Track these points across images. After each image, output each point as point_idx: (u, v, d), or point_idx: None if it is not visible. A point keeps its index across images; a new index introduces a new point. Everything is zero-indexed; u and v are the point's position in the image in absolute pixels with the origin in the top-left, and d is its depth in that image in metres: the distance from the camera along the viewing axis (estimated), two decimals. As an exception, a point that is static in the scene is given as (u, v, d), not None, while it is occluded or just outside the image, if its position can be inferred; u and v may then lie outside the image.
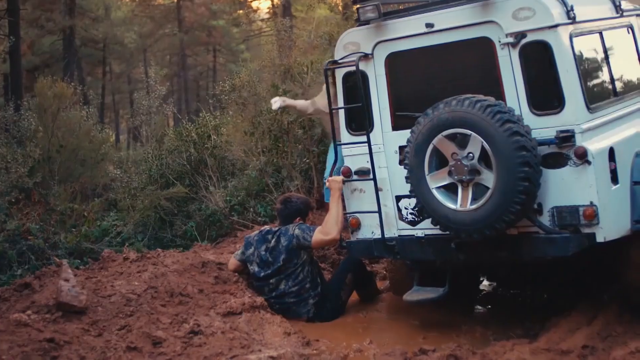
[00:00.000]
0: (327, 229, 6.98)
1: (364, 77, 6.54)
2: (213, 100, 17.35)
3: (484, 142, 5.60)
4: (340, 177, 6.87)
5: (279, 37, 14.68)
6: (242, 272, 7.49)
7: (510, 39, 5.79)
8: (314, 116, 9.49)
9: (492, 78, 5.94)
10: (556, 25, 5.68)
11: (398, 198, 6.54)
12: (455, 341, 5.95)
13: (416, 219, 6.48)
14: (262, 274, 7.15)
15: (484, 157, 5.67)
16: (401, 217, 6.56)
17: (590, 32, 6.21)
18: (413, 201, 6.36)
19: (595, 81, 6.31)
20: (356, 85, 6.51)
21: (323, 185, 8.59)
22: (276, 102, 8.92)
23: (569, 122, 5.66)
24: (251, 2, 47.70)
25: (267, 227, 7.43)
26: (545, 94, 5.78)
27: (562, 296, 7.00)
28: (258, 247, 7.22)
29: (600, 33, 6.38)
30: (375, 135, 6.56)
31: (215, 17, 45.59)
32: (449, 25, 6.11)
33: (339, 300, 7.31)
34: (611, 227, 5.68)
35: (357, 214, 6.80)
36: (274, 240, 7.15)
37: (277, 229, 7.24)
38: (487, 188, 5.66)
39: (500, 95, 5.86)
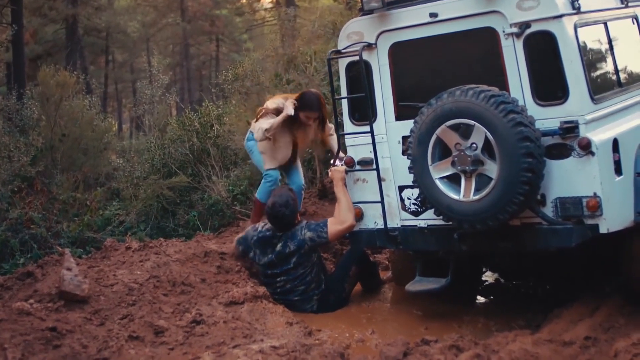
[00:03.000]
0: (342, 218, 6.89)
1: (367, 66, 6.53)
2: (216, 90, 17.35)
3: (488, 133, 5.59)
4: (343, 167, 6.85)
5: (283, 27, 14.66)
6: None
7: (515, 29, 5.77)
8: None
9: (496, 68, 5.92)
10: (561, 16, 5.66)
11: (401, 188, 6.54)
12: (458, 332, 5.94)
13: (419, 209, 6.47)
14: (269, 272, 7.12)
15: (487, 148, 5.66)
16: (404, 208, 6.56)
17: (595, 23, 6.19)
18: (416, 191, 6.36)
19: (600, 72, 6.29)
20: (359, 75, 6.50)
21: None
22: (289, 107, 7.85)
23: (573, 113, 5.65)
24: (254, -9, 47.66)
25: (262, 227, 7.30)
26: (550, 84, 5.76)
27: (565, 287, 7.00)
28: (260, 250, 7.18)
29: (605, 23, 6.36)
30: (378, 125, 6.55)
31: (218, 6, 45.50)
32: (453, 15, 6.09)
33: (343, 293, 7.29)
34: (614, 218, 5.67)
35: (359, 204, 6.79)
36: (280, 245, 7.06)
37: (280, 233, 7.11)
38: (491, 179, 5.65)
39: (504, 85, 5.85)
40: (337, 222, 6.93)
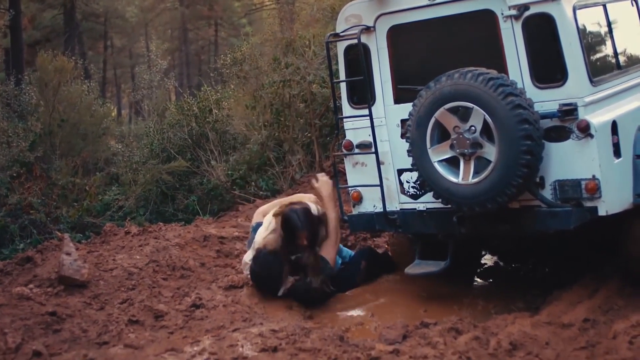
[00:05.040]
0: (337, 239, 6.92)
1: (365, 50, 6.50)
2: (214, 74, 17.36)
3: (486, 115, 5.57)
4: (329, 180, 6.77)
5: (281, 11, 14.63)
6: None
7: (513, 12, 5.74)
8: None
9: (494, 51, 5.89)
10: (559, -3, 5.64)
11: (400, 171, 6.53)
12: (457, 314, 5.95)
13: (418, 192, 6.47)
14: None
15: (486, 131, 5.64)
16: (403, 191, 6.55)
17: (594, 5, 6.16)
18: (415, 175, 6.34)
19: (599, 54, 6.27)
20: (358, 58, 6.48)
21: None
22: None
23: (571, 95, 5.63)
24: (253, -25, 47.45)
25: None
26: (548, 66, 5.74)
27: (564, 269, 7.00)
28: None
29: (604, 5, 6.33)
30: (377, 109, 6.53)
31: (216, -10, 45.35)
32: (451, -3, 6.06)
33: (354, 284, 7.21)
34: (613, 200, 5.67)
35: (358, 188, 6.78)
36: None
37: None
38: (489, 161, 5.64)
39: (502, 68, 5.83)
40: (332, 242, 6.89)
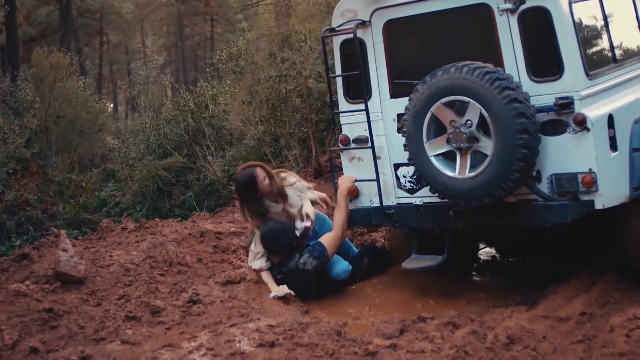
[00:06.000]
0: (342, 233, 6.85)
1: (361, 44, 6.50)
2: (210, 70, 17.34)
3: (483, 110, 5.57)
4: (353, 177, 6.74)
5: (277, 6, 14.60)
6: None
7: (509, 5, 5.73)
8: None
9: (490, 45, 5.89)
10: (555, -9, 5.63)
11: (396, 166, 6.52)
12: (454, 308, 5.95)
13: (414, 187, 6.47)
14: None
15: (482, 125, 5.64)
16: (399, 185, 6.55)
17: (590, -2, 6.16)
18: (411, 169, 6.35)
19: (595, 48, 6.27)
20: (354, 53, 6.47)
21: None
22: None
23: (568, 89, 5.63)
24: (248, -30, 47.37)
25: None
26: (544, 60, 5.74)
27: (561, 263, 7.00)
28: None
29: (600, -1, 6.33)
30: (373, 103, 6.52)
31: (212, -14, 45.33)
32: (447, -9, 6.05)
33: (356, 280, 7.20)
34: (610, 194, 5.66)
35: (355, 183, 6.78)
36: (279, 277, 6.75)
37: (279, 266, 6.80)
38: (486, 155, 5.64)
39: (498, 62, 5.82)
40: (336, 236, 6.84)
